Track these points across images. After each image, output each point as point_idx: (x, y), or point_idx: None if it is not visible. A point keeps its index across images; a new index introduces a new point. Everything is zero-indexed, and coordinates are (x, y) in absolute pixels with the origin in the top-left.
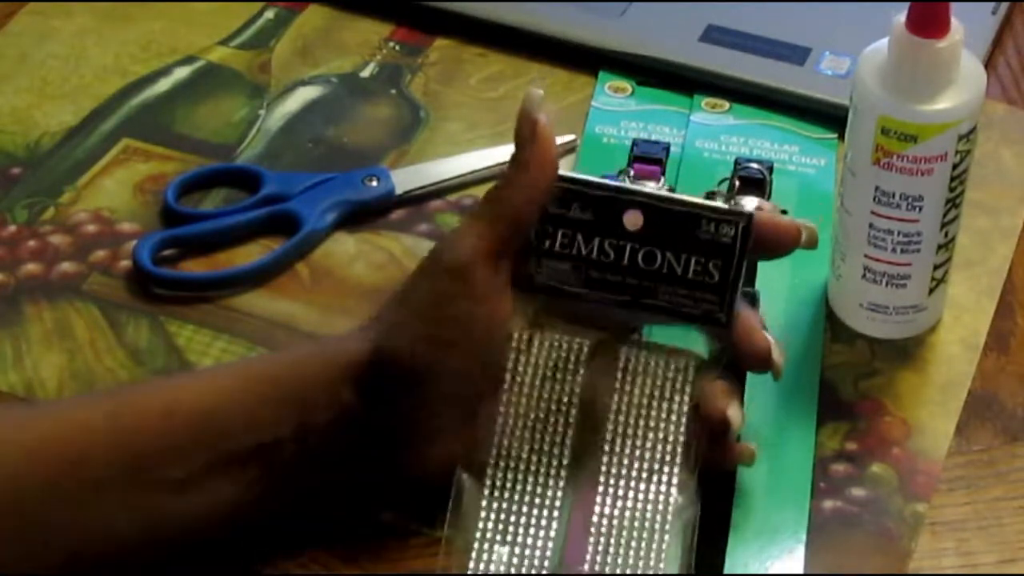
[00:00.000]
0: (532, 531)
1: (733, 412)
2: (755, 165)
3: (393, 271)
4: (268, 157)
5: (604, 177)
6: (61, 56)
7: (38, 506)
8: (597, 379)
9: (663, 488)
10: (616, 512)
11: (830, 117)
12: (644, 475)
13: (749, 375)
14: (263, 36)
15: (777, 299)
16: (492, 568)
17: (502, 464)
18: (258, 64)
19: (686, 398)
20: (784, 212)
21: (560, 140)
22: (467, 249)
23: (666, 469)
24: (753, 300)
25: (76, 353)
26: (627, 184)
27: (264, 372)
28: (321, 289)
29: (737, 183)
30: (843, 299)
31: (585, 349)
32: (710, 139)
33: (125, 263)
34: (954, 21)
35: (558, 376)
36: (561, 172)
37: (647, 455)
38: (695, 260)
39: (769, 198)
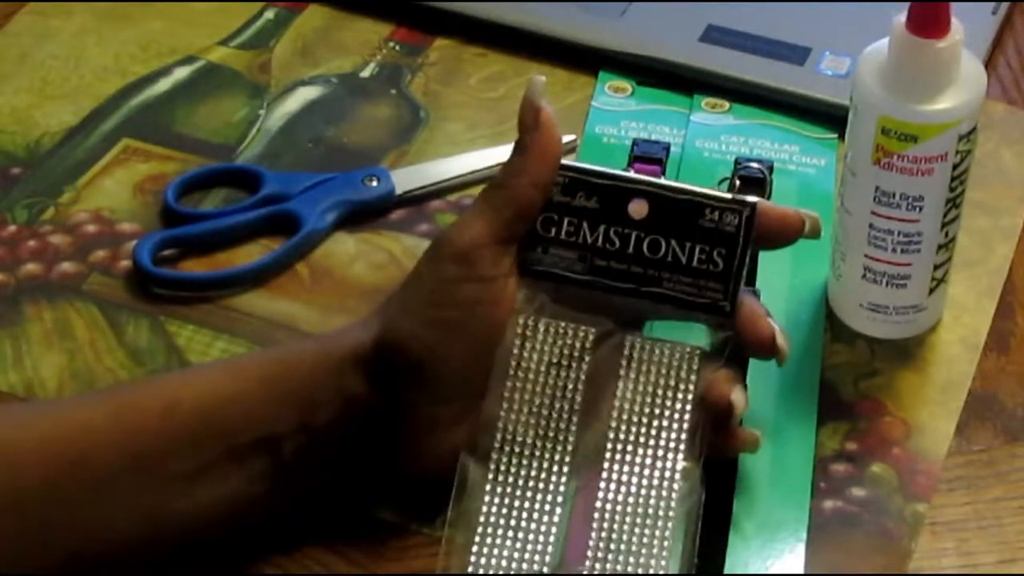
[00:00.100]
0: (536, 517)
1: (737, 396)
2: (755, 165)
3: (393, 271)
4: (268, 157)
5: None
6: (61, 56)
7: (38, 506)
8: (602, 367)
9: (667, 476)
10: (620, 499)
11: (830, 117)
12: (648, 462)
13: (749, 375)
14: (263, 36)
15: (777, 299)
16: (495, 554)
17: (506, 450)
18: (258, 64)
19: (691, 386)
20: None
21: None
22: (472, 234)
23: (670, 457)
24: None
25: (76, 353)
26: (632, 173)
27: (265, 368)
28: (321, 289)
29: (737, 183)
30: (843, 299)
31: (590, 337)
32: (710, 139)
33: (125, 263)
34: (954, 21)
35: (563, 363)
36: (566, 162)
37: (651, 443)
38: (699, 249)
39: (769, 198)
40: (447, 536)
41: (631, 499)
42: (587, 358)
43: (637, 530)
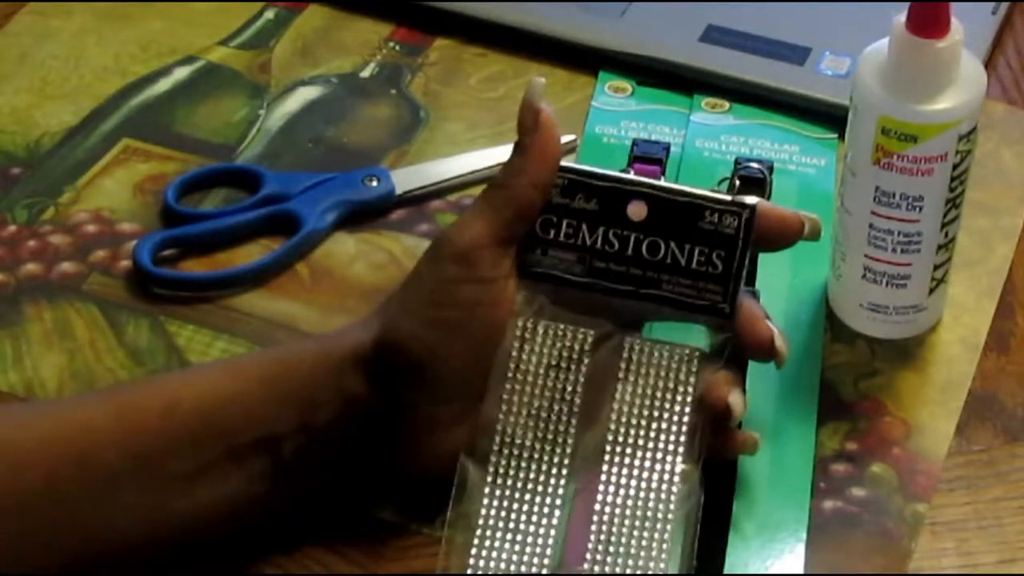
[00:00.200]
0: (535, 519)
1: (735, 399)
2: (755, 165)
3: (393, 271)
4: (268, 157)
5: None
6: (61, 56)
7: (39, 506)
8: (601, 369)
9: (666, 478)
10: (619, 501)
11: (830, 117)
12: (647, 464)
13: (749, 375)
14: (263, 36)
15: (777, 299)
16: (494, 556)
17: (505, 452)
18: (258, 64)
19: (689, 388)
20: None
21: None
22: (472, 235)
23: (669, 459)
24: (753, 299)
25: (76, 353)
26: (631, 175)
27: (265, 368)
28: (321, 289)
29: (737, 183)
30: (843, 299)
31: (589, 339)
32: (710, 139)
33: (125, 263)
34: (954, 21)
35: (562, 365)
36: (566, 163)
37: (650, 445)
38: (699, 251)
39: (769, 198)
40: (446, 537)
41: (630, 501)
42: (586, 360)
43: (636, 532)
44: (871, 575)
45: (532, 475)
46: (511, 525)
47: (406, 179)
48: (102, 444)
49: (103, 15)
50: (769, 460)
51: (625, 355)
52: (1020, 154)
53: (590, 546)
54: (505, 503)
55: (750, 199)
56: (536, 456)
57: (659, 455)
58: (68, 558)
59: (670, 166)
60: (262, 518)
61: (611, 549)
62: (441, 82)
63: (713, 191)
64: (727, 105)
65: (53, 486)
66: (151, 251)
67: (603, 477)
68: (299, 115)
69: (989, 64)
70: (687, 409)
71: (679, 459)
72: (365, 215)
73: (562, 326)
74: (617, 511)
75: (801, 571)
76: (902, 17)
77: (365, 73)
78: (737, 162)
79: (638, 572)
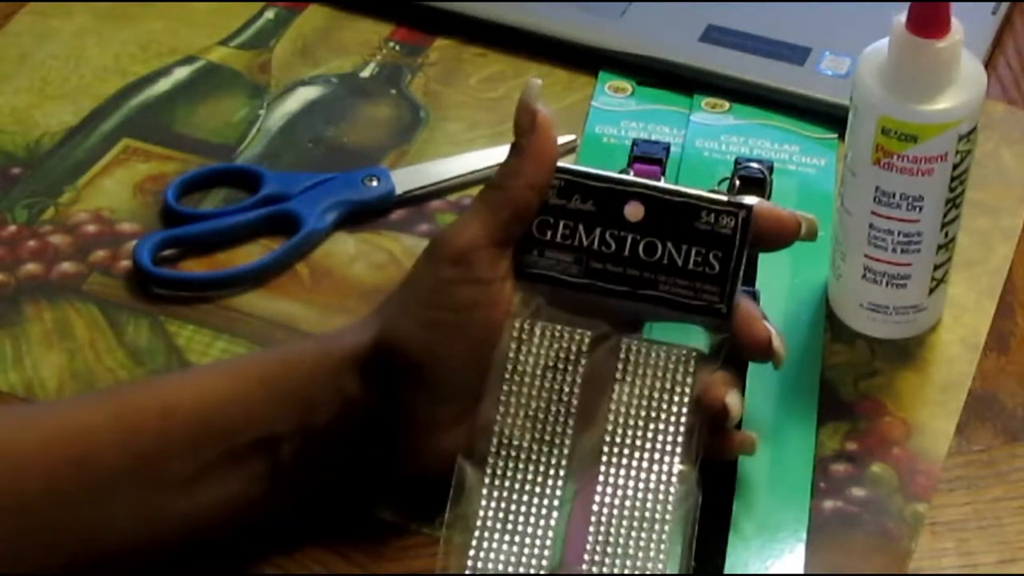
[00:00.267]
0: (533, 519)
1: (732, 400)
2: (755, 165)
3: (393, 271)
4: (268, 157)
5: None
6: (61, 56)
7: (39, 507)
8: (598, 370)
9: (664, 478)
10: (617, 502)
11: (830, 117)
12: (645, 465)
13: (749, 375)
14: (263, 36)
15: (777, 299)
16: (492, 558)
17: (503, 453)
18: (258, 64)
19: (687, 389)
20: None
21: (560, 140)
22: (469, 236)
23: (667, 459)
24: (753, 300)
25: (76, 353)
26: (630, 175)
27: (264, 369)
28: (321, 289)
29: (737, 183)
30: (843, 299)
31: (587, 340)
32: (710, 139)
33: (125, 263)
34: (954, 21)
35: (559, 366)
36: (563, 164)
37: (648, 445)
38: (696, 251)
39: (769, 198)
40: (445, 537)
41: (628, 502)
42: (583, 361)
43: (634, 533)
44: (871, 575)
45: (530, 476)
46: (509, 526)
47: (406, 179)
48: (101, 446)
49: (103, 15)
50: (769, 460)
51: (622, 356)
52: (1020, 154)
53: (588, 546)
54: (503, 504)
55: (749, 199)
56: (534, 457)
57: (657, 456)
58: (68, 558)
59: (670, 166)
60: (262, 518)
61: (609, 549)
62: (441, 82)
63: (712, 191)
64: (727, 105)
65: (52, 487)
66: (151, 251)
67: (601, 478)
68: (299, 115)
69: (989, 64)
70: (684, 410)
71: (677, 459)
72: (365, 215)
73: (559, 327)
74: (615, 512)
75: (801, 571)
76: (902, 17)
77: (365, 73)
78: (737, 162)
79: (636, 572)
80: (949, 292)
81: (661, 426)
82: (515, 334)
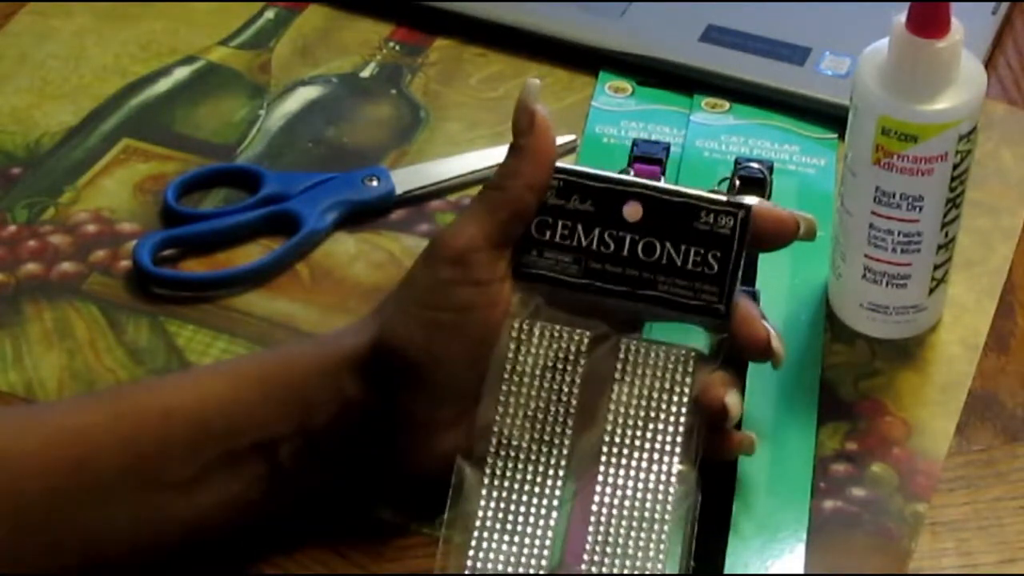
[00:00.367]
0: (532, 520)
1: (732, 400)
2: (755, 165)
3: (393, 271)
4: (268, 157)
5: None
6: (61, 56)
7: (39, 509)
8: (597, 370)
9: (663, 479)
10: (616, 502)
11: (830, 117)
12: (644, 465)
13: (749, 375)
14: (263, 36)
15: (777, 299)
16: (492, 558)
17: (502, 453)
18: (258, 64)
19: (686, 389)
20: None
21: (560, 140)
22: (467, 237)
23: (666, 459)
24: (753, 299)
25: (76, 353)
26: (629, 176)
27: (264, 370)
28: (321, 289)
29: (737, 183)
30: (843, 299)
31: (586, 340)
32: (710, 139)
33: (125, 263)
34: (954, 21)
35: (558, 367)
36: (561, 164)
37: (647, 446)
38: (694, 251)
39: (769, 198)
40: (444, 537)
41: (627, 502)
42: (582, 361)
43: (633, 533)
44: (871, 575)
45: (529, 476)
46: (508, 526)
47: (406, 179)
48: (101, 447)
49: (103, 15)
50: (769, 460)
51: (621, 356)
52: (1020, 154)
53: (588, 546)
54: (503, 504)
55: (748, 199)
56: (533, 457)
57: (656, 456)
58: (67, 560)
59: (670, 166)
60: (262, 519)
61: (608, 549)
62: (441, 82)
63: (712, 191)
64: (727, 105)
65: (52, 489)
66: (151, 251)
67: (600, 478)
68: (299, 115)
69: (989, 64)
70: (683, 410)
71: (676, 460)
72: (365, 215)
73: (558, 327)
74: (614, 512)
75: (801, 571)
76: (902, 17)
77: (365, 73)
78: (737, 162)
79: (636, 572)
80: (949, 292)
81: (660, 426)
82: (514, 334)
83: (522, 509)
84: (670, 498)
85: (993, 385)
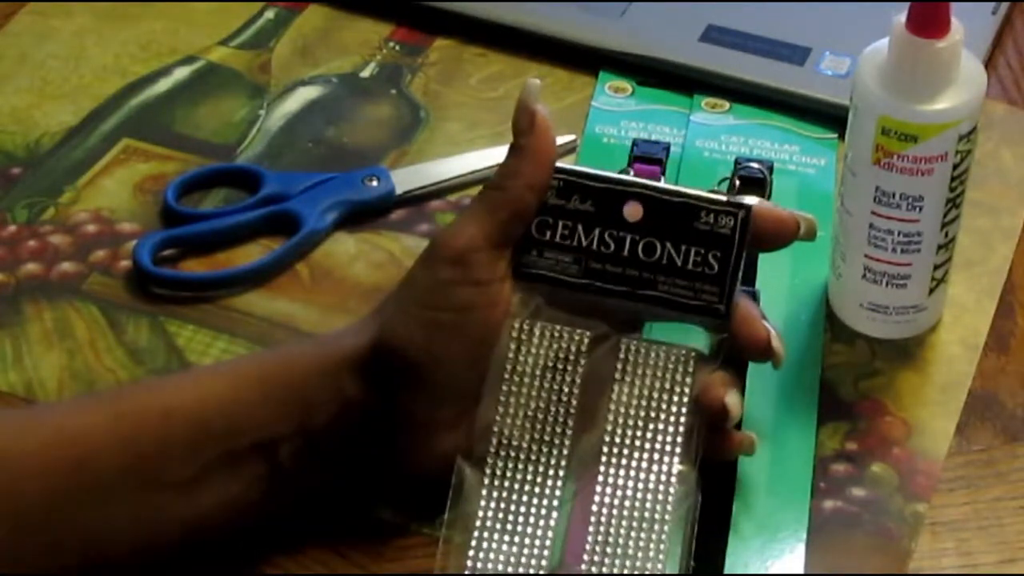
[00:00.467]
0: (532, 520)
1: (732, 400)
2: (755, 165)
3: (393, 271)
4: (268, 157)
5: None
6: (61, 56)
7: (39, 510)
8: (597, 370)
9: (663, 479)
10: (616, 503)
11: (830, 117)
12: (644, 466)
13: (749, 375)
14: (263, 36)
15: (777, 299)
16: (492, 558)
17: (502, 454)
18: (258, 64)
19: (686, 389)
20: None
21: (560, 140)
22: (467, 237)
23: (666, 460)
24: (753, 299)
25: (76, 353)
26: (629, 176)
27: (264, 370)
28: (321, 289)
29: (737, 183)
30: (843, 299)
31: (586, 340)
32: (710, 139)
33: (125, 263)
34: (954, 21)
35: (558, 367)
36: (561, 164)
37: (647, 446)
38: (695, 251)
39: (769, 198)
40: (444, 537)
41: (627, 502)
42: (583, 361)
43: (634, 533)
44: (871, 575)
45: (529, 476)
46: (509, 526)
47: (406, 179)
48: (101, 448)
49: (103, 15)
50: (769, 460)
51: (621, 356)
52: (1020, 154)
53: (588, 546)
54: (503, 504)
55: (748, 199)
56: (533, 457)
57: (656, 456)
58: (67, 560)
59: (670, 166)
60: (262, 519)
61: (609, 550)
62: (441, 82)
63: (712, 191)
64: (727, 105)
65: (52, 490)
66: (151, 251)
67: (600, 478)
68: (299, 115)
69: (989, 64)
70: (684, 410)
71: (676, 460)
72: (365, 215)
73: (558, 327)
74: (614, 512)
75: (801, 571)
76: (902, 17)
77: (365, 73)
78: (737, 162)
79: (636, 572)
80: (949, 292)
81: (660, 426)
82: (514, 334)
83: (522, 509)
84: (670, 498)
85: (993, 385)
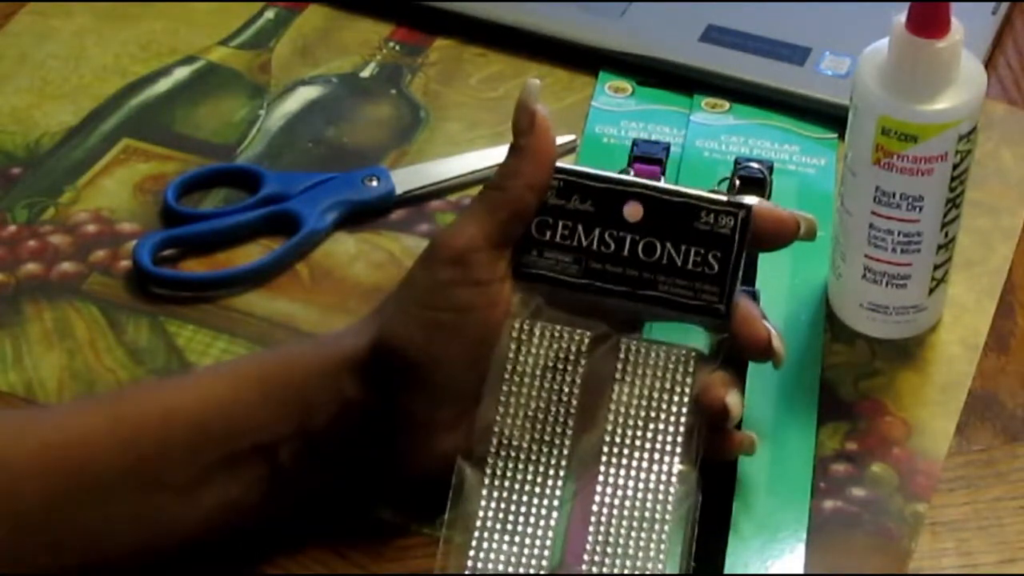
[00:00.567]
0: (532, 520)
1: (732, 400)
2: (755, 165)
3: (393, 271)
4: (268, 157)
5: None
6: (61, 56)
7: (39, 512)
8: (597, 370)
9: (663, 479)
10: (616, 502)
11: (830, 117)
12: (644, 466)
13: (749, 375)
14: (263, 36)
15: (777, 299)
16: (492, 558)
17: (503, 454)
18: (258, 64)
19: (686, 389)
20: None
21: (560, 140)
22: (467, 238)
23: (666, 459)
24: (753, 299)
25: (76, 353)
26: (630, 175)
27: (263, 372)
28: (321, 289)
29: (737, 183)
30: (843, 299)
31: (586, 340)
32: (710, 139)
33: (125, 263)
34: (954, 21)
35: (559, 367)
36: (561, 164)
37: (647, 446)
38: (695, 251)
39: (769, 198)
40: (445, 537)
41: (628, 502)
42: (583, 361)
43: (634, 533)
44: (871, 575)
45: (530, 476)
46: (509, 526)
47: (406, 179)
48: (101, 451)
49: (103, 15)
50: (769, 460)
51: (622, 356)
52: (1020, 154)
53: (588, 546)
54: (503, 505)
55: (748, 199)
56: (534, 457)
57: (656, 456)
58: (67, 562)
59: (670, 166)
60: (262, 521)
61: (609, 550)
62: (441, 82)
63: (712, 191)
64: (727, 105)
65: (52, 492)
66: (151, 251)
67: (601, 478)
68: (299, 115)
69: (989, 64)
70: (684, 410)
71: (676, 460)
72: (365, 215)
73: (558, 327)
74: (615, 512)
75: (801, 571)
76: (902, 17)
77: (365, 73)
78: (737, 162)
79: (636, 572)
80: (949, 292)
81: (661, 426)
82: (514, 335)
83: (522, 509)
84: (670, 498)
85: (993, 385)
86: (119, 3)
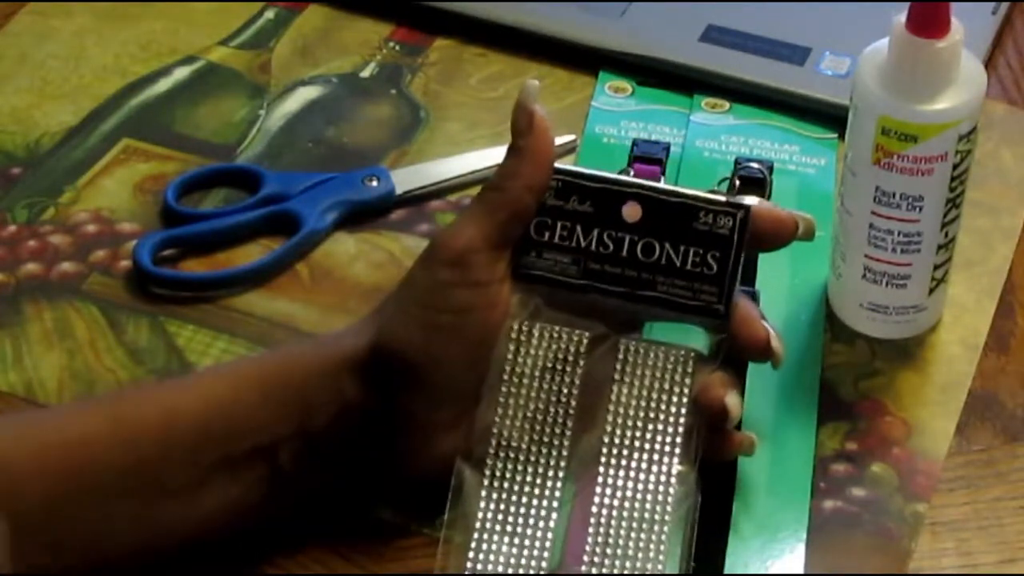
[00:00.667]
0: (532, 522)
1: (731, 400)
2: (755, 165)
3: (393, 271)
4: (268, 157)
5: None
6: (61, 56)
7: (39, 514)
8: (597, 371)
9: (663, 479)
10: (616, 503)
11: (830, 117)
12: (644, 466)
13: (749, 375)
14: (263, 36)
15: (777, 299)
16: (492, 559)
17: (502, 455)
18: (258, 64)
19: (685, 390)
20: None
21: (560, 140)
22: (466, 238)
23: (666, 460)
24: (753, 300)
25: (76, 353)
26: (628, 176)
27: (263, 372)
28: (321, 289)
29: (737, 183)
30: (843, 299)
31: (585, 341)
32: (710, 139)
33: (125, 263)
34: (954, 21)
35: (558, 368)
36: (560, 165)
37: (647, 446)
38: (693, 252)
39: (769, 198)
40: (444, 537)
41: (627, 503)
42: (582, 362)
43: (633, 534)
44: (871, 575)
45: (529, 477)
46: (508, 527)
47: (406, 179)
48: (101, 453)
49: (103, 15)
50: (769, 460)
51: (621, 357)
52: (1020, 154)
53: (588, 547)
54: (503, 505)
55: (748, 199)
56: (533, 458)
57: (655, 456)
58: (68, 564)
59: (670, 166)
60: (262, 522)
61: (608, 550)
62: (441, 82)
63: (711, 191)
64: (727, 105)
65: (52, 495)
66: (151, 251)
67: (600, 479)
68: (299, 115)
69: (989, 64)
70: (683, 410)
71: (675, 460)
72: (365, 215)
73: (557, 328)
74: (614, 512)
75: (801, 571)
76: (902, 17)
77: (365, 73)
78: (737, 162)
79: (636, 573)
80: (949, 292)
81: (660, 427)
82: (513, 336)
83: (522, 510)
84: (670, 499)
85: (993, 385)
86: (119, 3)
